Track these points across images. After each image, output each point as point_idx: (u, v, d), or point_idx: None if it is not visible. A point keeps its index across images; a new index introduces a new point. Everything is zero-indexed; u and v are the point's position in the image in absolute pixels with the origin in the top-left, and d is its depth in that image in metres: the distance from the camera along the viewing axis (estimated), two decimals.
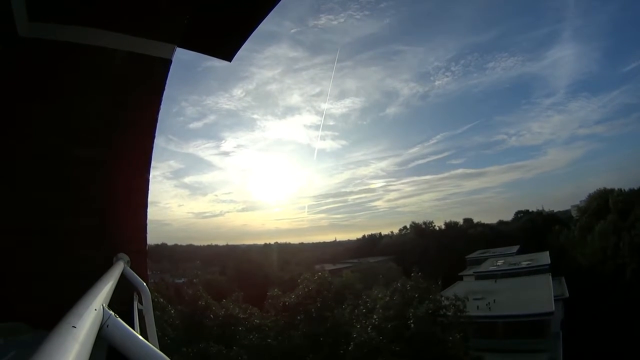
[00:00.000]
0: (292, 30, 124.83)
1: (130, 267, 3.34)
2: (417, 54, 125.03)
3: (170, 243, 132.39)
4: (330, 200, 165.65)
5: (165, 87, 4.36)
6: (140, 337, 1.12)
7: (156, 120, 3.88)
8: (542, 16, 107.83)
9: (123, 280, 2.94)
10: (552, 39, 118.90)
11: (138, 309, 3.14)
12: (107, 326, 1.03)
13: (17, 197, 3.59)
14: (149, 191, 4.06)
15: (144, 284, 3.10)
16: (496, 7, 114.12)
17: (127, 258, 3.45)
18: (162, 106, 3.96)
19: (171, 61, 4.11)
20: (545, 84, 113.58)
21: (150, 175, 4.10)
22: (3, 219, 3.52)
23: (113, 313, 1.07)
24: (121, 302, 2.75)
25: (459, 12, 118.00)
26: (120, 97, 3.89)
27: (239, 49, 6.24)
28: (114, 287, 1.79)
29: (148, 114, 3.88)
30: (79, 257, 3.49)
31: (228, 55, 6.45)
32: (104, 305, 1.09)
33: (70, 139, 3.73)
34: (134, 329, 2.12)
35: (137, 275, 3.10)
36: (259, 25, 5.63)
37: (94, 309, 0.99)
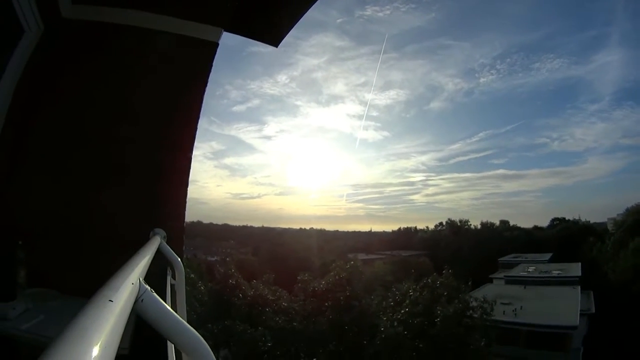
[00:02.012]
0: (339, 20, 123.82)
1: (166, 242, 3.41)
2: (463, 49, 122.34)
3: (205, 221, 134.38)
4: (369, 190, 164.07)
5: (212, 70, 4.46)
6: (174, 313, 1.11)
7: (201, 102, 3.95)
8: (590, 18, 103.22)
9: (158, 254, 3.02)
10: (600, 42, 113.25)
11: (171, 284, 3.21)
12: (142, 300, 1.03)
13: (61, 172, 3.76)
14: (191, 170, 4.18)
15: (179, 259, 3.16)
16: (544, 6, 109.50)
17: (163, 233, 3.53)
18: (206, 88, 4.02)
19: (218, 44, 4.19)
20: (591, 88, 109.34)
21: (192, 155, 4.21)
22: (46, 190, 3.66)
23: (149, 287, 1.08)
24: (155, 276, 2.82)
25: (506, 9, 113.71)
26: (166, 78, 4.00)
27: (285, 35, 6.26)
28: (150, 261, 1.82)
29: (193, 95, 3.96)
30: (116, 229, 3.60)
31: (275, 41, 6.49)
32: (141, 279, 1.09)
33: (115, 119, 3.86)
34: (166, 303, 2.19)
35: (172, 251, 3.16)
36: (307, 12, 5.65)
37: (130, 282, 1.00)
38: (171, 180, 3.81)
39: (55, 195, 3.68)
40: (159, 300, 1.08)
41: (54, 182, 3.71)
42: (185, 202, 3.84)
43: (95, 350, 0.58)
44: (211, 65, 4.12)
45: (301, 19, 4.88)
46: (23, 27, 3.53)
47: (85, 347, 0.56)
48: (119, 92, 3.93)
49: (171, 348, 2.03)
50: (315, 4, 4.24)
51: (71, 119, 3.84)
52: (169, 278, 3.12)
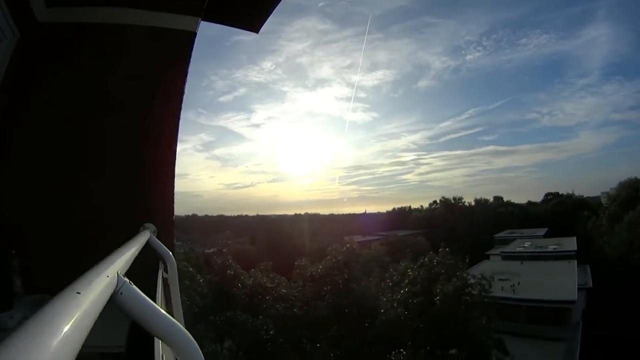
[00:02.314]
0: (320, 4, 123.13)
1: (157, 236, 3.39)
2: (448, 26, 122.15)
3: (200, 214, 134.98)
4: (361, 172, 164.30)
5: (191, 59, 4.42)
6: (156, 305, 1.11)
7: (182, 92, 3.92)
8: None
9: (149, 248, 3.01)
10: (587, 17, 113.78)
11: (163, 278, 3.20)
12: (121, 293, 1.03)
13: (47, 170, 3.73)
14: (176, 163, 4.15)
15: (170, 253, 3.13)
16: None
17: (153, 227, 3.50)
18: (189, 79, 4.00)
19: (195, 33, 4.16)
20: (579, 63, 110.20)
21: (178, 147, 4.19)
22: (33, 195, 3.65)
23: (128, 280, 1.07)
24: (145, 271, 2.82)
25: None
26: (145, 72, 3.97)
27: (265, 20, 6.22)
28: (135, 254, 1.79)
29: (174, 87, 3.92)
30: (106, 226, 3.58)
31: (255, 27, 6.44)
32: (119, 272, 1.09)
33: (97, 116, 3.84)
34: (156, 296, 2.19)
35: (162, 244, 3.13)
36: None
37: (105, 275, 0.99)
38: (157, 173, 3.79)
39: (43, 198, 3.67)
40: (139, 294, 1.08)
41: (40, 186, 3.69)
42: (172, 195, 3.82)
43: (55, 344, 0.56)
44: (190, 55, 4.07)
45: (280, 4, 4.83)
46: None
47: (44, 341, 0.55)
48: (99, 90, 3.90)
49: (158, 342, 2.02)
50: None
51: (53, 120, 3.82)
52: (160, 272, 3.10)
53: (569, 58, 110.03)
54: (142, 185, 3.77)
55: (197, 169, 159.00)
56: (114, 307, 0.99)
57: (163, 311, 1.15)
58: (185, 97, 4.01)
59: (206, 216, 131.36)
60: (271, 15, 4.98)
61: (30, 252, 3.35)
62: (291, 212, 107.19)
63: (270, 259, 37.16)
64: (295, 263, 31.76)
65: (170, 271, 3.17)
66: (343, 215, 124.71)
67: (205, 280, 30.54)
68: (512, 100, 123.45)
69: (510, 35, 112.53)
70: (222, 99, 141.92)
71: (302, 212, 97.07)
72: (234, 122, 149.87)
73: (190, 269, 31.43)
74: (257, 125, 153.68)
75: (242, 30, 6.55)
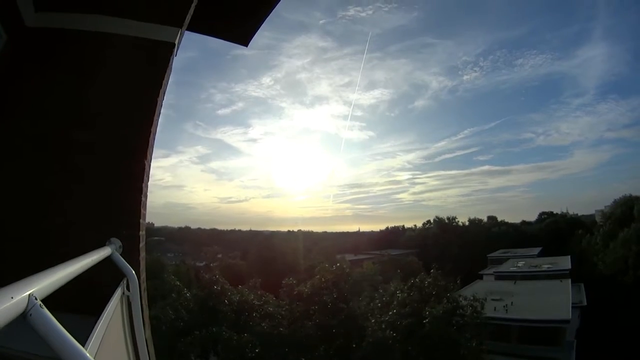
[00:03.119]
0: (321, 21, 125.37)
1: (122, 252, 3.32)
2: (446, 47, 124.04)
3: (193, 227, 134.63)
4: (356, 190, 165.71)
5: (171, 71, 4.38)
6: (62, 329, 1.14)
7: (156, 105, 3.86)
8: (573, 13, 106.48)
9: (110, 265, 2.95)
10: (583, 37, 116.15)
11: (125, 295, 3.12)
12: (31, 315, 1.07)
13: (19, 174, 3.69)
14: (149, 177, 4.08)
15: (131, 270, 3.06)
16: (525, 2, 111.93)
17: (119, 243, 3.42)
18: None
19: (174, 44, 4.12)
20: (575, 83, 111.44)
21: (150, 160, 4.11)
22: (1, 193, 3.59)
23: (39, 302, 1.11)
24: (106, 287, 2.74)
25: (488, 5, 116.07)
26: (120, 82, 3.94)
27: (253, 34, 6.23)
28: (74, 272, 1.75)
29: (149, 98, 3.87)
30: (73, 240, 3.48)
31: (243, 40, 6.44)
32: (33, 293, 1.12)
33: (70, 124, 3.80)
34: (103, 314, 2.12)
35: (124, 261, 3.06)
36: (274, 10, 5.61)
37: (9, 297, 1.00)
38: (125, 187, 3.70)
39: (10, 206, 3.60)
40: (48, 316, 1.11)
41: (8, 189, 3.62)
42: (140, 210, 3.71)
43: None
44: (167, 67, 4.02)
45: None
46: None
47: None
48: (76, 98, 3.87)
49: None
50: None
51: (31, 124, 3.79)
52: (119, 289, 3.01)
53: (565, 78, 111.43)
54: (109, 198, 3.68)
55: (193, 181, 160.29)
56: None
57: (68, 335, 1.15)
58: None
59: (199, 229, 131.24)
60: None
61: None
62: (285, 229, 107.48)
63: (260, 275, 37.14)
64: (283, 282, 31.45)
65: (132, 289, 3.10)
66: (336, 233, 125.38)
67: (191, 295, 30.32)
68: (508, 120, 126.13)
69: (506, 55, 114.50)
70: (220, 112, 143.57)
71: (296, 229, 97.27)
72: (231, 135, 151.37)
73: (178, 282, 31.38)
74: (254, 140, 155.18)
75: (242, 45, 6.59)
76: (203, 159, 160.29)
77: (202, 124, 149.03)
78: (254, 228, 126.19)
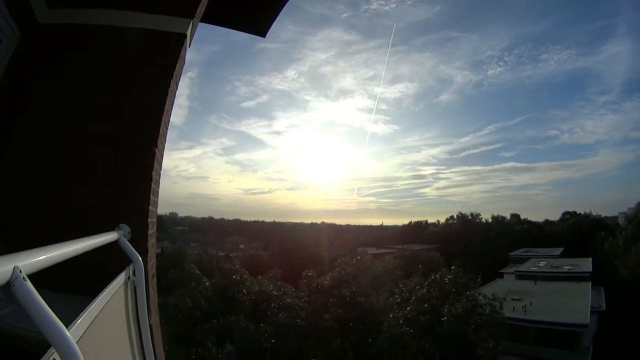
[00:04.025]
0: (345, 15, 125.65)
1: (129, 238, 3.39)
2: (470, 41, 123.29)
3: (217, 217, 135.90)
4: (380, 184, 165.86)
5: (184, 62, 4.45)
6: (42, 302, 1.21)
7: (167, 95, 3.91)
8: (597, 8, 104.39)
9: (117, 250, 3.02)
10: (608, 33, 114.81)
11: (131, 280, 3.19)
12: (14, 286, 1.16)
13: (35, 167, 3.80)
14: (160, 165, 4.14)
15: (138, 256, 3.10)
16: None
17: (128, 229, 3.50)
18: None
19: (186, 35, 4.18)
20: (600, 80, 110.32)
21: (163, 149, 4.19)
22: (16, 190, 3.73)
23: (24, 275, 1.19)
24: (110, 271, 2.81)
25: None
26: (134, 73, 4.00)
27: (270, 25, 6.26)
28: (72, 254, 1.81)
29: (160, 89, 3.92)
30: (84, 226, 3.55)
31: (261, 31, 6.48)
32: (19, 266, 1.20)
33: (83, 116, 3.90)
34: (100, 294, 2.18)
35: (131, 247, 3.11)
36: (292, 1, 5.63)
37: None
38: (135, 175, 3.77)
39: (25, 194, 3.73)
40: (30, 288, 1.18)
41: (25, 182, 3.76)
42: (149, 197, 3.77)
43: None
44: (179, 58, 4.06)
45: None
46: None
47: None
48: (87, 91, 3.97)
49: None
50: None
51: (47, 120, 3.88)
52: (123, 274, 3.08)
53: (590, 74, 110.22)
54: (118, 185, 3.76)
55: (217, 172, 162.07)
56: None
57: (48, 309, 1.22)
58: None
59: (222, 219, 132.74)
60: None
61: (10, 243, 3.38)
62: (308, 221, 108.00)
63: (281, 266, 37.32)
64: (302, 273, 31.63)
65: (137, 274, 3.16)
66: (359, 226, 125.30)
67: (211, 284, 30.79)
68: (533, 116, 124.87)
69: (531, 50, 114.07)
70: (244, 104, 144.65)
71: (319, 221, 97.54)
72: (255, 128, 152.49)
73: (197, 271, 31.71)
74: (278, 133, 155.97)
75: (260, 36, 6.62)
76: (227, 151, 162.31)
77: (227, 116, 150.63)
78: (277, 219, 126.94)
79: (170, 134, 4.00)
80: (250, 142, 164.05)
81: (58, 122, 3.89)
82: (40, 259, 1.45)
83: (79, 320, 1.58)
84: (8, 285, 1.13)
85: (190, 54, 4.51)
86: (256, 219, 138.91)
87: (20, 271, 1.18)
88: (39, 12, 3.95)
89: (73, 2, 4.17)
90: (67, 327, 1.26)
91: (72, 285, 3.05)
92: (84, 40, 4.13)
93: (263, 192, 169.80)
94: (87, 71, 4.05)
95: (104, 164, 3.78)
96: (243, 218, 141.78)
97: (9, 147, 3.83)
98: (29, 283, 1.18)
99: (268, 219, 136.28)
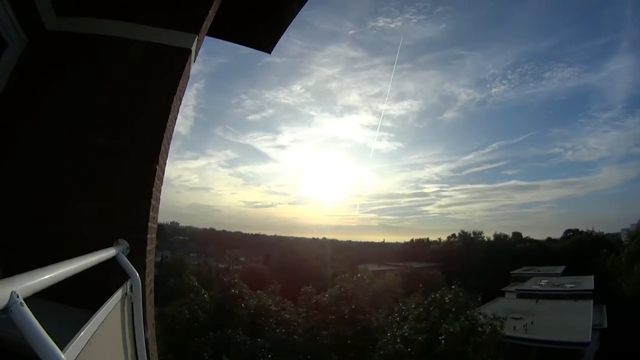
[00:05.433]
0: (352, 31, 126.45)
1: (127, 254, 3.41)
2: (475, 59, 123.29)
3: (218, 229, 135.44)
4: (382, 200, 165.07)
5: (188, 76, 4.50)
6: (40, 328, 1.23)
7: (170, 110, 3.94)
8: (600, 25, 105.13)
9: (114, 266, 3.05)
10: (610, 49, 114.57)
11: (127, 296, 3.20)
12: (12, 311, 1.16)
13: (32, 179, 3.79)
14: (161, 181, 4.17)
15: (135, 272, 3.11)
16: (553, 15, 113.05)
17: (126, 245, 3.52)
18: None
19: (191, 51, 4.23)
20: (603, 97, 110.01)
21: (164, 165, 4.22)
22: (16, 203, 3.72)
23: (21, 300, 1.19)
24: (107, 287, 2.82)
25: (515, 18, 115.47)
26: (136, 85, 4.03)
27: (276, 41, 6.32)
28: (71, 272, 1.85)
29: (165, 103, 3.96)
30: (79, 241, 3.55)
31: (267, 47, 6.54)
32: (15, 291, 1.19)
33: (85, 127, 3.91)
34: (98, 311, 2.20)
35: (129, 263, 3.12)
36: (300, 19, 5.70)
37: None
38: (134, 191, 3.78)
39: (23, 205, 3.72)
40: (27, 314, 1.19)
41: (25, 195, 3.74)
42: (149, 214, 3.79)
43: None
44: (183, 73, 4.11)
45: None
46: (6, 41, 3.72)
47: None
48: (90, 100, 3.99)
49: None
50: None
51: (49, 126, 3.90)
52: (120, 290, 3.09)
53: (593, 91, 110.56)
54: (117, 201, 3.77)
55: (221, 184, 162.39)
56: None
57: (45, 336, 1.23)
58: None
59: (224, 231, 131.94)
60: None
61: (10, 260, 3.37)
62: (309, 236, 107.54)
63: (281, 281, 37.06)
64: (302, 289, 31.42)
65: (134, 291, 3.18)
66: (361, 242, 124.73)
67: (209, 296, 30.64)
68: (536, 134, 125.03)
69: (534, 68, 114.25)
70: (250, 117, 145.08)
71: (321, 237, 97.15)
72: (260, 141, 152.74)
73: (196, 283, 31.65)
74: (282, 147, 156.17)
75: (265, 52, 6.67)
76: (231, 163, 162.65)
77: (232, 129, 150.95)
78: (278, 233, 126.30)
79: (175, 144, 4.04)
80: (254, 155, 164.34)
81: (60, 130, 3.90)
82: (38, 281, 1.46)
83: (74, 341, 1.59)
84: (5, 311, 1.14)
85: (198, 65, 4.57)
86: (257, 232, 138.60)
87: (18, 296, 1.19)
88: (46, 19, 3.99)
89: (81, 10, 4.21)
90: (63, 348, 1.29)
91: (70, 297, 3.05)
92: (90, 49, 4.17)
93: (265, 206, 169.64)
94: (91, 80, 4.09)
95: (104, 177, 3.78)
96: (244, 231, 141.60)
97: (9, 150, 3.84)
98: (26, 308, 1.19)
99: (269, 233, 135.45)
